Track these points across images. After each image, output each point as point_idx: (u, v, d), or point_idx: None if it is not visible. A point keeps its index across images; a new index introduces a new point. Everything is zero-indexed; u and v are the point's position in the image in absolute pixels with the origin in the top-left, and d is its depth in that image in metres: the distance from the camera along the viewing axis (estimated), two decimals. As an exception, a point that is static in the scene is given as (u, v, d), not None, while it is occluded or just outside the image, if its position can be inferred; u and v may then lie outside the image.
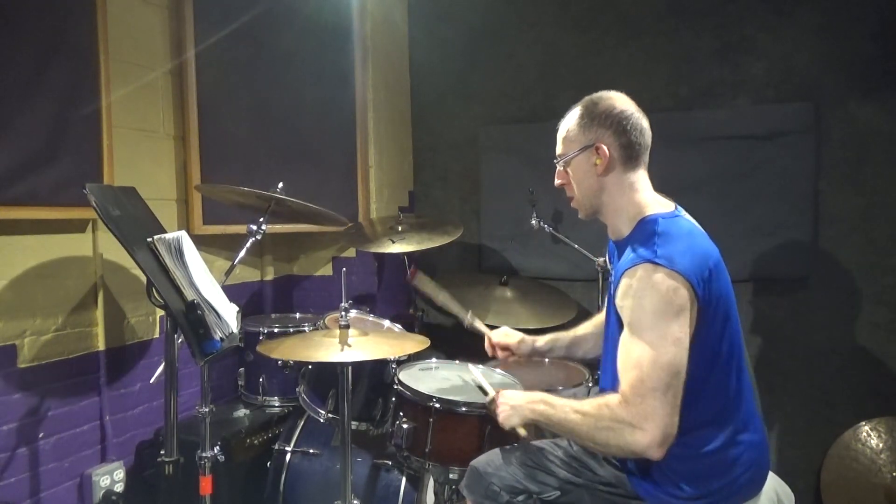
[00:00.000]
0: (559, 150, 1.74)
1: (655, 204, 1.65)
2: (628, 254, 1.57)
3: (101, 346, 2.47)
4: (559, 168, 1.74)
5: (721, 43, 3.00)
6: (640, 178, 1.66)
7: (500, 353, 2.15)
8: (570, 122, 1.71)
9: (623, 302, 1.52)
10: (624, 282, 1.52)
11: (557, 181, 1.76)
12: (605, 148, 1.63)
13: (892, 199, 2.79)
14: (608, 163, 1.63)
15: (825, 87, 2.85)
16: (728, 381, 1.56)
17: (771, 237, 2.93)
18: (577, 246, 2.84)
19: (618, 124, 1.63)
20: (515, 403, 1.71)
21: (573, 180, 1.72)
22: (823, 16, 2.84)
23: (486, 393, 1.96)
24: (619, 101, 1.67)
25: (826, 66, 2.85)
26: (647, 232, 1.57)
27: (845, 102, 2.83)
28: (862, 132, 2.81)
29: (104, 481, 2.44)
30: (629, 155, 1.64)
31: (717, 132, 2.98)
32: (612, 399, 1.49)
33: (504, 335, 2.14)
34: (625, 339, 1.51)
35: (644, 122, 1.67)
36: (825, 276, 2.89)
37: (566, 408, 1.58)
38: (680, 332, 1.44)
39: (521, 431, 1.74)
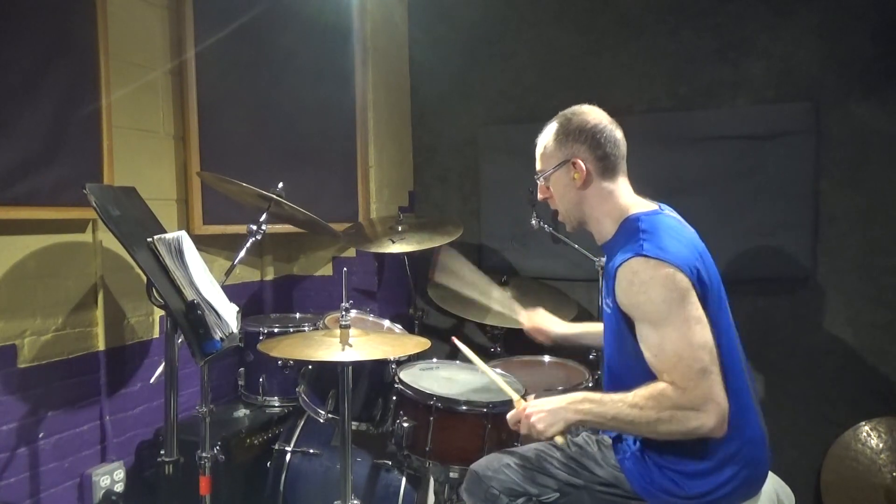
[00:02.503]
0: (538, 166, 1.79)
1: (638, 205, 1.69)
2: (617, 252, 1.61)
3: (101, 346, 2.47)
4: (540, 183, 1.79)
5: (721, 43, 2.99)
6: (620, 186, 1.71)
7: (536, 335, 2.19)
8: (546, 138, 1.76)
9: (629, 301, 1.54)
10: (621, 280, 1.55)
11: (540, 196, 1.81)
12: (581, 162, 1.68)
13: (892, 199, 2.79)
14: (586, 176, 1.68)
15: (825, 87, 2.85)
16: (721, 375, 1.56)
17: (771, 237, 2.92)
18: (577, 246, 2.83)
19: (592, 138, 1.67)
20: (553, 408, 1.59)
21: (555, 194, 1.77)
22: (823, 16, 2.84)
23: (511, 397, 1.77)
24: (593, 114, 1.71)
25: (826, 66, 2.85)
26: (631, 229, 1.62)
27: (845, 102, 2.83)
28: (862, 132, 2.81)
29: (104, 481, 2.44)
30: (605, 167, 1.68)
31: (717, 132, 2.98)
32: (664, 388, 1.46)
33: (542, 319, 2.18)
34: (650, 336, 1.51)
35: (618, 134, 1.71)
36: (825, 276, 2.89)
37: (619, 403, 1.52)
38: (697, 311, 1.47)
39: (560, 440, 1.60)
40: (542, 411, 1.59)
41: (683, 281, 1.48)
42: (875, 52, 2.77)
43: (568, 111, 1.74)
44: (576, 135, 1.69)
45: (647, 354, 1.52)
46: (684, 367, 1.45)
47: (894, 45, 2.74)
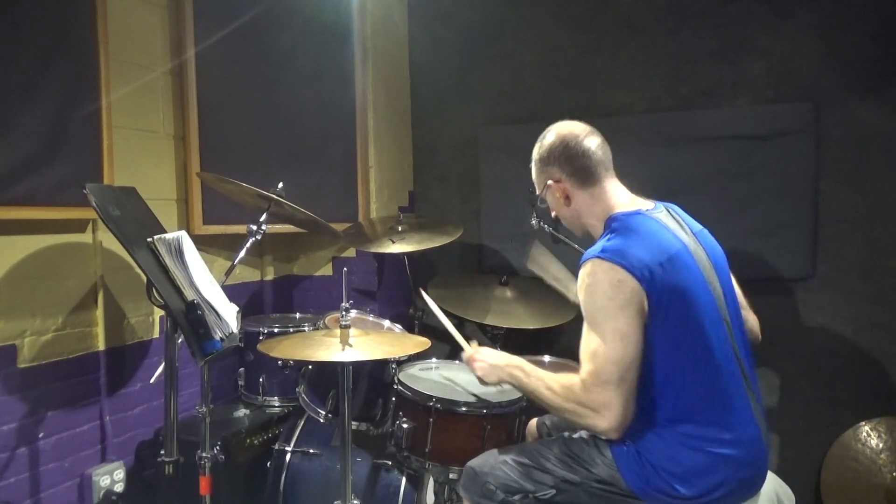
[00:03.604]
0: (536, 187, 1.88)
1: (623, 205, 1.73)
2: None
3: (101, 346, 2.47)
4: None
5: (721, 43, 2.99)
6: (606, 189, 1.75)
7: None
8: (532, 163, 1.85)
9: (580, 297, 1.62)
10: (579, 279, 1.62)
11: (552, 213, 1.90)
12: (556, 184, 1.76)
13: (892, 199, 2.79)
14: (566, 193, 1.76)
15: (825, 87, 2.85)
16: (701, 377, 1.58)
17: (771, 237, 2.92)
18: (577, 246, 2.82)
19: (560, 157, 1.75)
20: (495, 363, 1.81)
21: (554, 211, 1.86)
22: (823, 16, 2.84)
23: (462, 346, 2.00)
24: (561, 131, 1.77)
25: (826, 66, 2.85)
26: (606, 229, 1.69)
27: (845, 102, 2.82)
28: (862, 132, 2.81)
29: (104, 481, 2.44)
30: (582, 178, 1.74)
31: (717, 132, 2.98)
32: (576, 383, 1.58)
33: None
34: (584, 330, 1.60)
35: (589, 142, 1.75)
36: (825, 276, 2.89)
37: (539, 382, 1.68)
38: (626, 327, 1.53)
39: (493, 389, 1.91)
40: (485, 362, 1.83)
41: (627, 290, 1.53)
42: (875, 52, 2.77)
43: (544, 133, 1.81)
44: (546, 159, 1.77)
45: (580, 344, 1.60)
46: (593, 372, 1.55)
47: (894, 45, 2.74)
